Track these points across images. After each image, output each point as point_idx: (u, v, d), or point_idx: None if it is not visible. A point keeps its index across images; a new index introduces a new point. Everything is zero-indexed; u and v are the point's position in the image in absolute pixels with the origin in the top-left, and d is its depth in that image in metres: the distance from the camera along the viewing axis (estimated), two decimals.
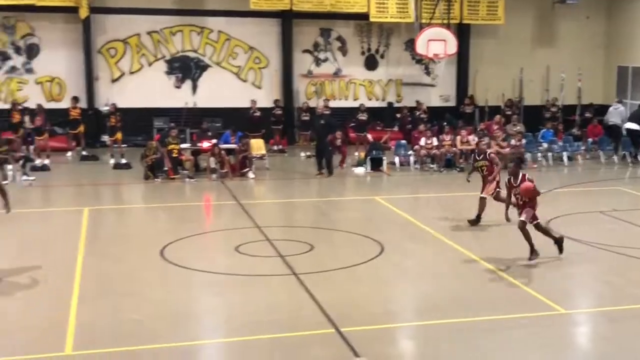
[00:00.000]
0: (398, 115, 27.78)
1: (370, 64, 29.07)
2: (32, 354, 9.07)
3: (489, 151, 16.54)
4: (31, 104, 24.08)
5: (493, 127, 24.50)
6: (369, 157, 22.72)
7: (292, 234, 15.16)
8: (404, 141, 24.28)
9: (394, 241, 14.43)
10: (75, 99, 24.04)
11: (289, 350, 9.27)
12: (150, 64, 26.77)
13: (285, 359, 9.04)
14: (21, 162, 20.33)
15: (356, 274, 12.36)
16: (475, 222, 15.47)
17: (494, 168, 15.51)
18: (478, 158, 15.79)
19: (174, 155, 20.84)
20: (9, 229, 15.52)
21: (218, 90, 27.11)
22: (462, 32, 28.67)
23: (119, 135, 22.99)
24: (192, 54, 27.24)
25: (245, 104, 25.89)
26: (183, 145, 21.83)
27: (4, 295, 11.35)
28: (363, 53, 28.95)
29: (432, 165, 22.90)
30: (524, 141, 23.86)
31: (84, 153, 23.81)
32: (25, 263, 12.92)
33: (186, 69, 27.18)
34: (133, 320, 10.20)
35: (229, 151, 21.75)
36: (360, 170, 22.52)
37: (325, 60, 28.61)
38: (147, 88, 26.41)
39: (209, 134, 23.20)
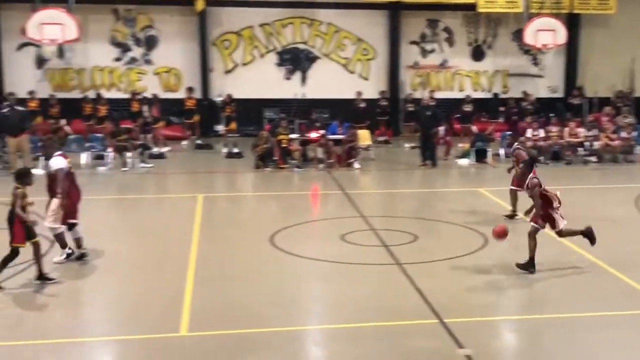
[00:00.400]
0: (502, 108, 27.34)
1: (477, 54, 28.77)
2: (150, 333, 9.47)
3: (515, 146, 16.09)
4: (149, 94, 24.91)
5: (602, 119, 23.89)
6: (473, 149, 22.55)
7: (396, 224, 15.23)
8: (509, 132, 23.95)
9: None
10: (190, 90, 24.71)
11: (394, 339, 9.37)
12: (262, 56, 27.26)
13: (391, 347, 9.14)
14: (139, 150, 21.03)
15: (459, 266, 12.35)
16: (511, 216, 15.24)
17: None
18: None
19: (284, 145, 21.22)
20: (128, 214, 16.23)
21: (326, 81, 27.37)
22: (572, 22, 28.02)
23: (233, 125, 23.53)
24: (302, 46, 27.58)
25: (352, 95, 26.06)
26: (292, 136, 22.18)
27: (124, 278, 11.89)
28: (470, 44, 28.68)
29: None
30: (634, 133, 23.18)
31: (198, 142, 24.46)
32: (144, 247, 13.51)
33: (296, 60, 27.54)
34: (244, 304, 10.53)
35: (336, 141, 21.98)
36: (464, 161, 22.37)
37: (432, 51, 28.48)
38: (259, 79, 26.91)
39: (317, 124, 23.49)
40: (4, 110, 19.93)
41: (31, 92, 23.56)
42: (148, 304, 10.56)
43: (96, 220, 14.39)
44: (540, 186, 11.82)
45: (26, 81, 25.37)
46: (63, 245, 12.17)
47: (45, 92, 24.40)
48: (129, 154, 20.55)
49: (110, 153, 20.97)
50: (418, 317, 10.00)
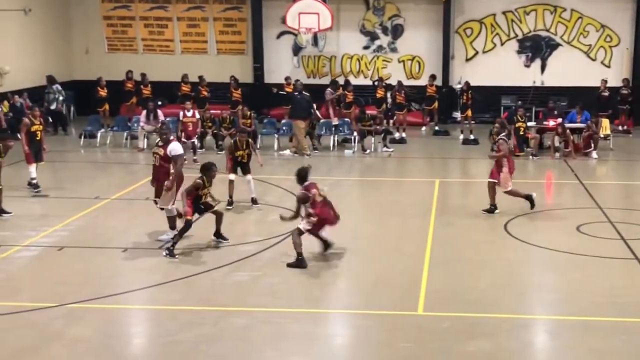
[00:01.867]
0: None
1: None
2: (389, 310, 9.88)
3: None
4: (393, 81, 25.40)
5: None
6: None
7: (635, 216, 14.59)
8: None
9: None
10: (433, 77, 24.92)
11: (631, 336, 9.08)
12: (502, 44, 26.83)
13: (626, 344, 8.89)
14: (382, 134, 21.55)
15: None
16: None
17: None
18: None
19: (521, 133, 20.86)
20: (370, 195, 16.77)
21: (566, 69, 26.43)
22: None
23: (469, 112, 23.46)
24: (543, 33, 26.80)
25: (592, 82, 25.00)
26: (529, 124, 21.74)
27: (366, 255, 12.40)
28: None
29: None
30: None
31: (436, 128, 24.64)
32: (384, 227, 13.97)
33: (537, 48, 26.83)
34: (476, 288, 10.65)
35: (573, 130, 21.26)
36: None
37: None
38: (498, 67, 26.53)
39: (555, 112, 22.83)
40: (297, 95, 21.31)
41: (287, 78, 24.88)
42: (387, 282, 10.98)
43: (341, 199, 15.00)
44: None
45: (283, 68, 26.82)
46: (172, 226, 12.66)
47: (301, 78, 25.55)
48: (372, 139, 21.15)
49: (355, 137, 21.69)
50: None
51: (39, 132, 15.99)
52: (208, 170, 12.25)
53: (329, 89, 23.52)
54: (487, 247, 12.72)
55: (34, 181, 15.71)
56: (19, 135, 16.00)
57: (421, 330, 9.28)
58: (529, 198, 14.65)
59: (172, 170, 12.50)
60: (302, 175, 11.93)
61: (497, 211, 14.58)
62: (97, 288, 10.51)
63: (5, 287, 10.74)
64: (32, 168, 15.72)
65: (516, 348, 8.88)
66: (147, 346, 9.20)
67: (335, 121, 22.14)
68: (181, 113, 19.86)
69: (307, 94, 21.43)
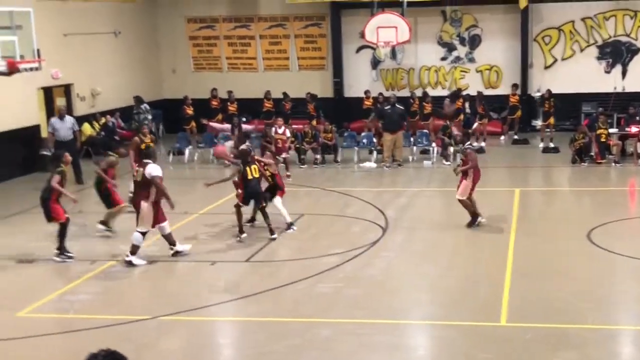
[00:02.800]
0: None
1: None
2: (470, 321, 9.79)
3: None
4: (471, 91, 25.16)
5: None
6: None
7: None
8: None
9: None
10: (515, 86, 24.57)
11: None
12: (582, 50, 26.24)
13: None
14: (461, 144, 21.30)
15: None
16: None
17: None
18: None
19: (602, 140, 20.35)
20: (450, 205, 16.59)
21: None
22: None
23: (551, 120, 23.00)
24: (623, 39, 26.09)
25: None
26: (611, 130, 21.18)
27: (446, 265, 12.31)
28: None
29: None
30: None
31: (515, 137, 24.26)
32: (464, 237, 13.82)
33: (617, 53, 26.13)
34: (560, 299, 10.44)
35: None
36: None
37: None
38: (577, 74, 25.94)
39: (637, 118, 22.17)
40: (387, 108, 21.36)
41: (366, 92, 24.91)
42: (468, 292, 10.88)
43: (421, 210, 15.00)
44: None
45: (362, 81, 26.90)
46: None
47: (379, 91, 25.51)
48: (451, 149, 20.98)
49: (434, 148, 21.56)
50: None
51: None
52: (244, 155, 13.36)
53: (447, 99, 23.35)
54: (571, 257, 12.46)
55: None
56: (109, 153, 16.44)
57: (503, 341, 9.15)
58: (475, 217, 14.15)
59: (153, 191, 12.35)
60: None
61: (481, 219, 14.19)
62: (186, 300, 10.75)
63: (101, 300, 11.10)
64: None
65: None
66: (236, 357, 9.38)
67: (455, 131, 21.82)
68: (272, 130, 20.15)
69: (400, 107, 21.37)
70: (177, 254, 12.66)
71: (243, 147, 14.19)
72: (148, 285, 11.77)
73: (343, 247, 13.04)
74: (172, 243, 12.68)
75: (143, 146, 16.17)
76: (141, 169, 12.41)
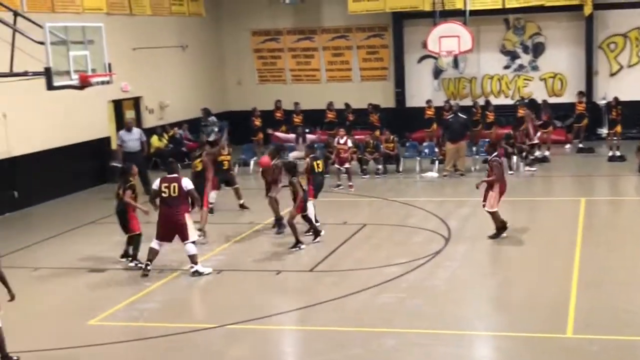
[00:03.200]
0: None
1: None
2: (536, 332, 9.62)
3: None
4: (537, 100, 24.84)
5: None
6: None
7: None
8: None
9: None
10: (581, 94, 24.15)
11: None
12: None
13: None
14: (524, 153, 21.04)
15: None
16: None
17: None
18: None
19: None
20: (514, 215, 16.41)
21: None
22: None
23: (618, 128, 22.49)
24: None
25: None
26: None
27: (510, 276, 12.16)
28: None
29: None
30: None
31: (580, 146, 23.80)
32: (529, 247, 13.63)
33: None
34: (628, 310, 10.22)
35: None
36: None
37: None
38: None
39: None
40: (449, 118, 21.30)
41: (428, 102, 24.79)
42: (534, 303, 10.72)
43: (483, 220, 14.81)
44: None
45: (424, 91, 26.79)
46: None
47: (441, 100, 25.35)
48: (514, 158, 20.70)
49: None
50: None
51: (226, 162, 16.98)
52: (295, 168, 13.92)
53: (527, 109, 22.99)
54: (638, 267, 12.16)
55: (211, 206, 16.30)
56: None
57: (570, 353, 9.01)
58: (501, 228, 13.93)
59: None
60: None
61: (503, 234, 13.96)
62: (253, 309, 10.86)
63: (170, 309, 11.31)
64: (213, 194, 16.30)
65: None
66: None
67: (535, 139, 21.57)
68: (335, 140, 20.24)
69: (463, 117, 21.18)
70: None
71: (290, 160, 15.13)
72: (215, 294, 11.94)
73: (405, 257, 13.00)
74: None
75: (220, 158, 16.46)
76: (174, 184, 12.48)
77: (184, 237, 12.48)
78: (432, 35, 22.71)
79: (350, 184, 19.22)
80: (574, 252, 12.95)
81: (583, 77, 25.67)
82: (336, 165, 19.80)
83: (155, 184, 12.72)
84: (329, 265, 12.95)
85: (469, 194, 18.41)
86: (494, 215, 13.86)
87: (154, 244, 12.64)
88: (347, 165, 19.60)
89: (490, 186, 13.86)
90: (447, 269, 12.46)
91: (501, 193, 13.95)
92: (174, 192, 12.44)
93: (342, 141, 19.95)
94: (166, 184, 12.50)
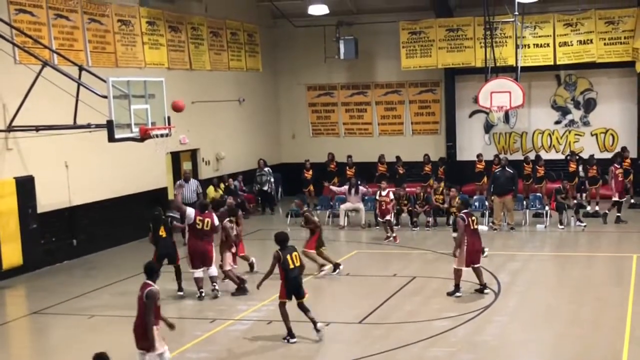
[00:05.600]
0: None
1: None
2: None
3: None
4: (585, 155, 24.46)
5: None
6: None
7: None
8: None
9: None
10: (624, 149, 23.69)
11: None
12: None
13: None
14: (575, 208, 20.65)
15: None
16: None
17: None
18: None
19: None
20: (564, 270, 16.05)
21: None
22: None
23: None
24: None
25: None
26: None
27: (561, 332, 11.84)
28: None
29: None
30: None
31: (632, 201, 23.27)
32: (579, 303, 13.29)
33: None
34: None
35: None
36: None
37: None
38: None
39: None
40: (497, 171, 21.15)
41: (479, 156, 24.61)
42: (586, 359, 10.42)
43: (534, 273, 14.55)
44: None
45: (475, 145, 26.66)
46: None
47: (492, 154, 25.13)
48: (565, 213, 20.32)
49: (547, 211, 20.92)
50: None
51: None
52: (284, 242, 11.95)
53: (614, 164, 22.47)
54: None
55: (252, 260, 16.32)
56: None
57: None
58: (458, 285, 13.79)
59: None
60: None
61: (486, 291, 13.75)
62: (302, 359, 10.75)
63: (222, 359, 11.25)
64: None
65: None
66: None
67: (615, 197, 21.00)
68: (377, 192, 20.22)
69: (511, 171, 20.92)
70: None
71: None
72: (263, 345, 11.85)
73: (455, 311, 12.79)
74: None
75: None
76: (208, 219, 14.25)
77: (210, 264, 14.26)
78: (483, 90, 22.64)
79: (395, 235, 19.12)
80: (626, 307, 12.60)
81: (635, 132, 25.27)
82: (378, 218, 19.78)
83: (189, 218, 14.20)
84: (378, 317, 12.81)
85: (519, 247, 18.20)
86: (457, 272, 13.78)
87: (197, 274, 14.22)
88: (387, 217, 19.50)
89: (458, 244, 13.77)
90: (497, 324, 12.21)
91: (472, 251, 13.76)
92: (207, 226, 14.15)
93: (384, 193, 19.90)
94: (200, 218, 14.15)
